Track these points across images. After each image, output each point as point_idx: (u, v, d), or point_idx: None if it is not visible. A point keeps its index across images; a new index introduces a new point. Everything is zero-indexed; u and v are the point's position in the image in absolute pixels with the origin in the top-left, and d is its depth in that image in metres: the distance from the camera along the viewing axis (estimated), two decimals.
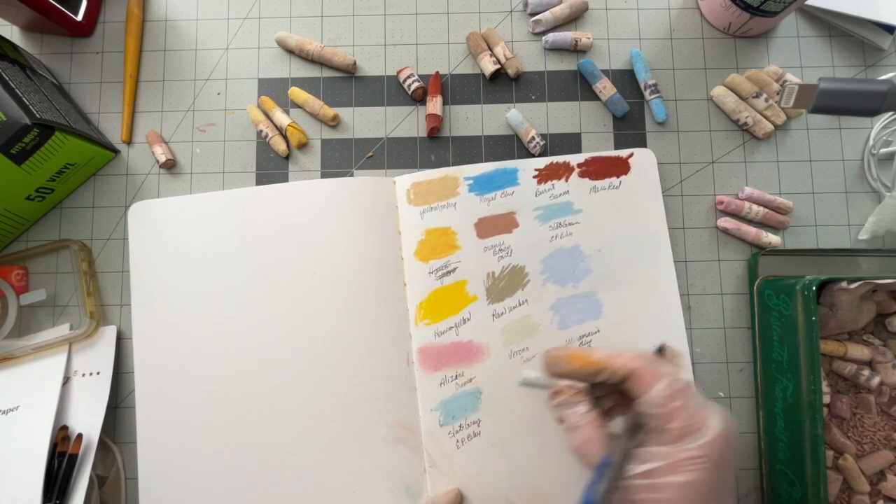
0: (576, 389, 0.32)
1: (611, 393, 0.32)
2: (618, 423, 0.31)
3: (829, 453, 0.38)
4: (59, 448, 0.37)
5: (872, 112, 0.33)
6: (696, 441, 0.27)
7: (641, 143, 0.44)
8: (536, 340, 0.41)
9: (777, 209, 0.43)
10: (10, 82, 0.37)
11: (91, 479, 0.37)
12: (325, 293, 0.40)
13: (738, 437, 0.31)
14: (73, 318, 0.42)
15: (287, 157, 0.44)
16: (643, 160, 0.43)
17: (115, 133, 0.44)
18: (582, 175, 0.43)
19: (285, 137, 0.44)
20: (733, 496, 0.29)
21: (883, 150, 0.43)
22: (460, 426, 0.39)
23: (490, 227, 0.42)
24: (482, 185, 0.42)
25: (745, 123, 0.43)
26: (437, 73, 0.44)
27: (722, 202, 0.43)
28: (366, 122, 0.44)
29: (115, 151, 0.44)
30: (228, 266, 0.41)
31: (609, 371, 0.30)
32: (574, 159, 0.43)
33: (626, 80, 0.45)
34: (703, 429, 0.28)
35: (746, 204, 0.42)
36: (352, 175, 0.44)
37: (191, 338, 0.40)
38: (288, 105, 0.45)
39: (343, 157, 0.44)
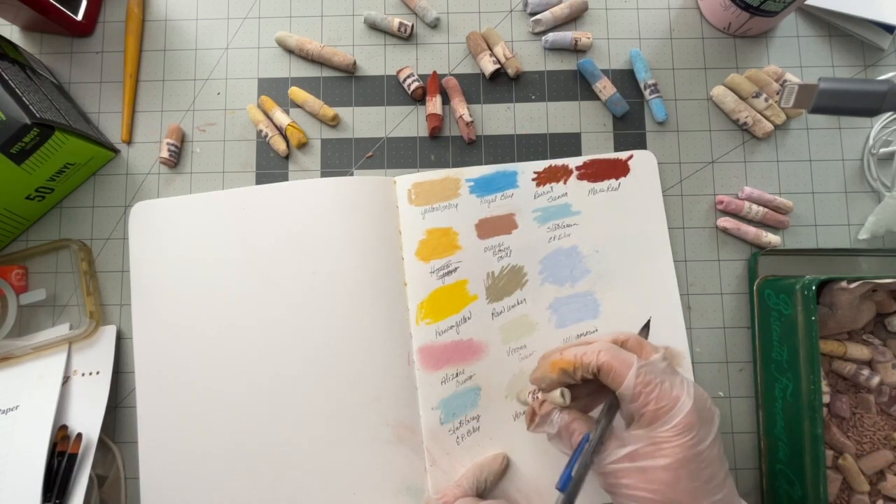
0: (544, 408, 0.34)
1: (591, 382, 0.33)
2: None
3: (829, 453, 0.38)
4: (58, 447, 0.37)
5: (872, 112, 0.33)
6: (671, 422, 0.29)
7: (641, 142, 0.44)
8: (534, 338, 0.41)
9: (777, 209, 0.43)
10: (10, 82, 0.37)
11: (91, 478, 0.37)
12: (325, 293, 0.40)
13: (712, 403, 0.31)
14: (73, 318, 0.42)
15: (287, 157, 0.44)
16: (643, 162, 0.43)
17: (115, 133, 0.44)
18: (581, 177, 0.43)
19: (285, 137, 0.44)
20: (721, 462, 0.30)
21: (883, 150, 0.43)
22: (460, 422, 0.39)
23: (490, 227, 0.42)
24: (483, 187, 0.42)
25: (745, 123, 0.43)
26: (435, 72, 0.44)
27: (722, 202, 0.43)
28: (365, 121, 0.44)
29: (115, 151, 0.44)
30: (228, 265, 0.41)
31: (581, 368, 0.32)
32: (573, 162, 0.43)
33: (625, 79, 0.45)
34: (676, 408, 0.29)
35: (746, 204, 0.42)
36: (352, 175, 0.44)
37: (191, 337, 0.40)
38: (288, 105, 0.45)
39: (343, 157, 0.44)
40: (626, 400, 0.30)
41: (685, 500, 0.28)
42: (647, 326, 0.37)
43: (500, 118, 0.44)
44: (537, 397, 0.35)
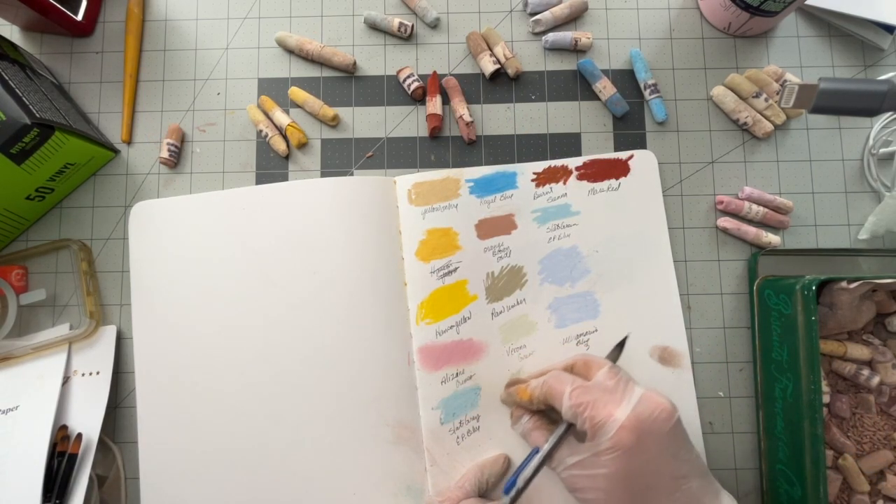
0: (520, 410, 0.38)
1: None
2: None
3: (829, 453, 0.38)
4: (58, 448, 0.37)
5: (872, 112, 0.33)
6: (605, 436, 0.31)
7: (641, 143, 0.44)
8: (534, 338, 0.41)
9: (777, 209, 0.43)
10: (10, 82, 0.37)
11: (91, 478, 0.37)
12: (325, 293, 0.40)
13: (667, 416, 0.32)
14: (73, 318, 0.42)
15: (287, 157, 0.44)
16: (643, 162, 0.43)
17: (115, 133, 0.44)
18: (580, 178, 0.43)
19: (285, 137, 0.44)
20: (672, 470, 0.31)
21: (883, 150, 0.43)
22: (460, 422, 0.39)
23: (490, 228, 0.42)
24: (482, 188, 0.42)
25: (745, 123, 0.43)
26: (435, 72, 0.44)
27: (722, 202, 0.43)
28: (365, 121, 0.44)
29: (115, 151, 0.44)
30: (228, 265, 0.41)
31: (535, 399, 0.36)
32: (572, 162, 0.43)
33: (625, 79, 0.45)
34: (609, 423, 0.31)
35: (746, 204, 0.42)
36: (352, 175, 0.44)
37: (191, 337, 0.40)
38: (288, 105, 0.45)
39: (343, 157, 0.44)
40: (569, 420, 0.34)
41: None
42: (620, 345, 0.38)
43: (500, 118, 0.44)
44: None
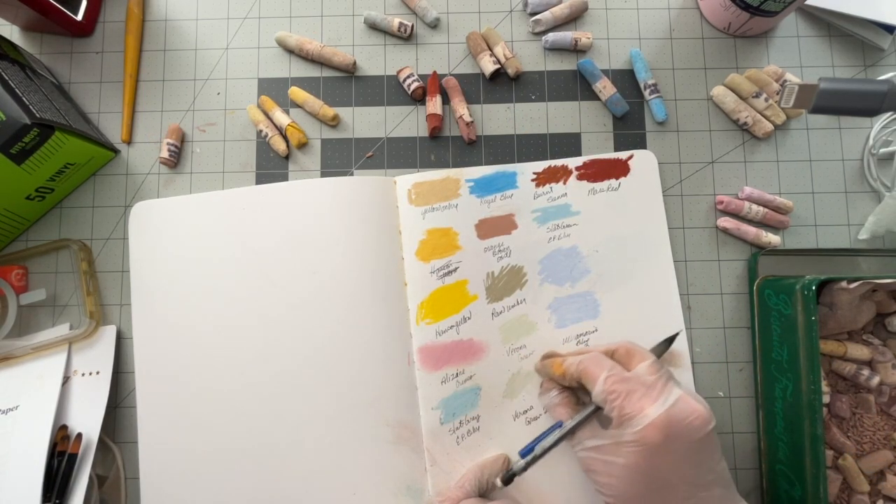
0: (551, 383, 0.38)
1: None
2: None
3: (829, 453, 0.38)
4: (58, 447, 0.37)
5: (872, 112, 0.33)
6: (632, 428, 0.31)
7: (641, 142, 0.44)
8: (533, 338, 0.41)
9: (777, 209, 0.43)
10: (10, 82, 0.37)
11: (91, 478, 0.37)
12: (325, 293, 0.40)
13: (703, 424, 0.31)
14: (73, 318, 0.42)
15: (287, 157, 0.44)
16: (643, 162, 0.43)
17: (115, 133, 0.44)
18: (580, 178, 0.43)
19: (285, 137, 0.44)
20: (688, 483, 0.31)
21: (883, 150, 0.43)
22: (460, 422, 0.39)
23: (490, 228, 0.42)
24: (483, 187, 0.42)
25: (745, 123, 0.43)
26: (435, 72, 0.44)
27: (722, 202, 0.43)
28: (365, 121, 0.44)
29: (115, 151, 0.44)
30: (228, 265, 0.41)
31: (569, 376, 0.36)
32: (572, 162, 0.43)
33: (625, 79, 0.45)
34: (639, 417, 0.31)
35: (746, 204, 0.42)
36: (352, 175, 0.44)
37: (191, 337, 0.40)
38: (288, 105, 0.45)
39: (343, 157, 0.44)
40: (599, 404, 0.34)
41: (636, 498, 0.31)
42: (669, 341, 0.38)
43: (500, 118, 0.44)
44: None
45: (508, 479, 0.35)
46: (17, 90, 0.37)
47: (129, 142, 0.44)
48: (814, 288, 0.35)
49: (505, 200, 0.42)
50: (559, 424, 0.35)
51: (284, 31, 0.45)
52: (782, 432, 0.38)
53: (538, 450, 0.34)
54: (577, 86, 0.45)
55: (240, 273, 0.41)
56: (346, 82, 0.45)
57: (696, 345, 0.42)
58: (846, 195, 0.43)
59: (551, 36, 0.44)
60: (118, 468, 0.40)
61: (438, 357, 0.40)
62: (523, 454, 0.35)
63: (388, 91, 0.45)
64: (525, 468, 0.35)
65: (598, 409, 0.34)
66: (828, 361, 0.39)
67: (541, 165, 0.43)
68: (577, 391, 0.38)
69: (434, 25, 0.45)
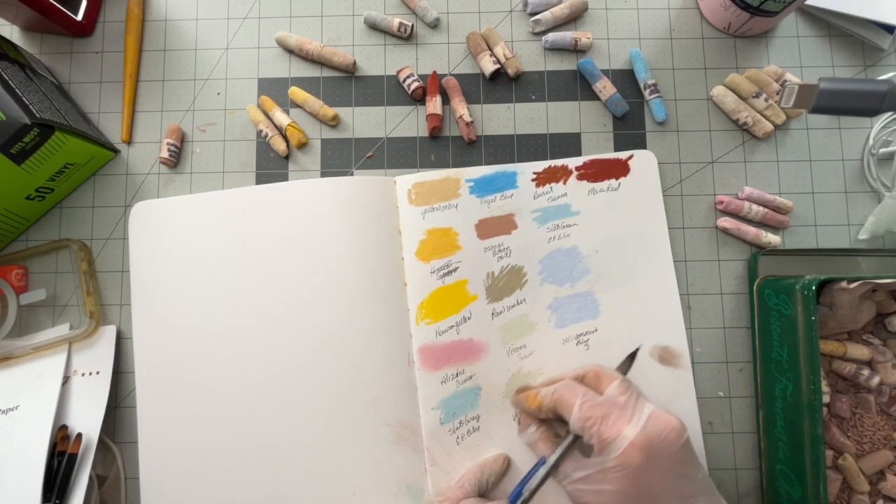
0: (529, 418, 0.38)
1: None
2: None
3: (829, 453, 0.38)
4: (58, 447, 0.37)
5: (872, 112, 0.33)
6: (613, 453, 0.31)
7: (641, 143, 0.44)
8: (533, 338, 0.41)
9: (777, 209, 0.43)
10: (10, 82, 0.37)
11: (91, 478, 0.37)
12: (325, 293, 0.40)
13: (678, 435, 0.32)
14: (73, 318, 0.42)
15: (287, 157, 0.44)
16: (643, 162, 0.43)
17: (115, 133, 0.44)
18: (580, 178, 0.43)
19: (285, 137, 0.44)
20: (675, 497, 0.31)
21: (883, 150, 0.43)
22: (460, 422, 0.39)
23: (490, 228, 0.42)
24: (483, 187, 0.42)
25: (745, 123, 0.43)
26: (435, 72, 0.44)
27: (722, 202, 0.43)
28: (365, 121, 0.44)
29: (115, 151, 0.44)
30: (228, 265, 0.41)
31: (544, 408, 0.35)
32: (572, 162, 0.43)
33: (625, 79, 0.45)
34: (618, 440, 0.31)
35: (746, 204, 0.42)
36: (352, 175, 0.44)
37: (191, 337, 0.40)
38: (288, 105, 0.45)
39: (343, 157, 0.44)
40: (577, 432, 0.33)
41: None
42: (631, 357, 0.38)
43: (500, 118, 0.44)
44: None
45: None
46: (17, 90, 0.37)
47: (129, 142, 0.44)
48: (814, 288, 0.35)
49: (505, 200, 0.42)
50: (542, 461, 0.35)
51: (284, 31, 0.45)
52: (782, 432, 0.38)
53: (526, 492, 0.34)
54: (577, 86, 0.45)
55: (240, 273, 0.41)
56: (346, 82, 0.45)
57: (696, 345, 0.42)
58: (846, 195, 0.43)
59: (551, 36, 0.44)
60: (118, 468, 0.40)
61: (438, 357, 0.40)
62: (512, 500, 0.34)
63: (388, 91, 0.45)
64: None
65: (578, 438, 0.34)
66: (828, 361, 0.39)
67: (541, 165, 0.43)
68: (553, 424, 0.38)
69: (434, 25, 0.45)
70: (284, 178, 0.44)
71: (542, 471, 0.34)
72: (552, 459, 0.34)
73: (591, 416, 0.32)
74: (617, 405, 0.32)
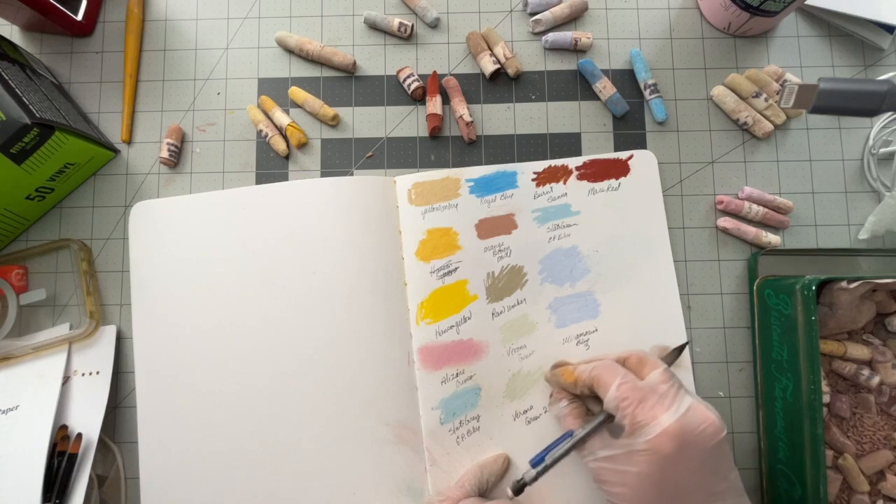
0: (562, 393, 0.38)
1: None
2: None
3: (829, 453, 0.38)
4: (58, 447, 0.37)
5: (872, 112, 0.33)
6: (644, 437, 0.31)
7: (641, 142, 0.44)
8: (534, 338, 0.41)
9: (777, 209, 0.43)
10: (10, 82, 0.37)
11: (91, 478, 0.37)
12: (325, 293, 0.40)
13: (715, 432, 0.31)
14: (73, 318, 0.42)
15: (287, 157, 0.44)
16: (643, 162, 0.43)
17: (115, 133, 0.44)
18: (580, 178, 0.43)
19: (285, 137, 0.44)
20: (703, 492, 0.31)
21: (883, 150, 0.43)
22: (460, 422, 0.39)
23: (490, 228, 0.42)
24: (483, 187, 0.42)
25: (745, 123, 0.43)
26: (435, 72, 0.44)
27: (722, 202, 0.43)
28: (365, 121, 0.44)
29: (115, 151, 0.44)
30: (228, 265, 0.41)
31: (580, 383, 0.35)
32: (572, 162, 0.43)
33: (625, 79, 0.45)
34: (651, 425, 0.31)
35: (746, 204, 0.42)
36: (352, 175, 0.44)
37: (191, 337, 0.40)
38: (288, 105, 0.45)
39: (343, 157, 0.44)
40: (611, 411, 0.33)
41: None
42: (679, 350, 0.39)
43: (500, 118, 0.44)
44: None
45: (519, 489, 0.34)
46: (17, 90, 0.37)
47: (129, 142, 0.44)
48: (814, 288, 0.35)
49: (505, 200, 0.42)
50: (570, 434, 0.35)
51: (284, 31, 0.45)
52: (782, 432, 0.38)
53: (549, 459, 0.34)
54: (577, 86, 0.45)
55: (240, 273, 0.41)
56: (346, 82, 0.45)
57: (696, 345, 0.42)
58: (846, 195, 0.43)
59: (551, 36, 0.44)
60: (118, 468, 0.40)
61: (438, 357, 0.40)
62: (534, 464, 0.34)
63: (388, 91, 0.45)
64: (536, 478, 0.34)
65: (609, 418, 0.34)
66: (828, 361, 0.39)
67: (541, 165, 0.43)
68: (586, 402, 0.38)
69: (434, 25, 0.45)
70: (284, 178, 0.44)
71: (567, 442, 0.34)
72: (581, 433, 0.34)
73: (629, 397, 0.32)
74: (656, 392, 0.32)
